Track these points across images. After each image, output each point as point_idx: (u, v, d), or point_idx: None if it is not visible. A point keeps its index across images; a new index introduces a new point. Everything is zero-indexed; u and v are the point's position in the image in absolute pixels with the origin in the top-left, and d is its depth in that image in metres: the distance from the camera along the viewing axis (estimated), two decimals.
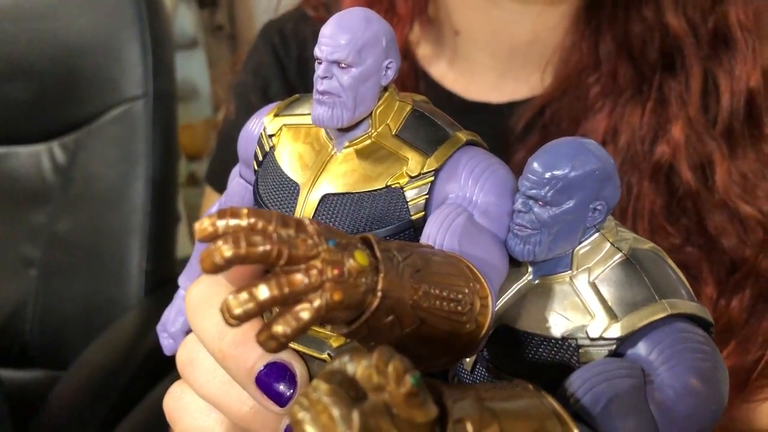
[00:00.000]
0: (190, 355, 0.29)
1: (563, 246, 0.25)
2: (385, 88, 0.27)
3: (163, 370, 0.95)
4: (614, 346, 0.23)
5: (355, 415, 0.16)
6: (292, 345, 0.27)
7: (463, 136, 0.27)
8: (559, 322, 0.24)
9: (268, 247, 0.19)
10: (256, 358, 0.27)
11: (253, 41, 0.66)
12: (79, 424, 0.80)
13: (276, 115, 0.29)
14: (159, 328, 0.34)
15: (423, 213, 0.26)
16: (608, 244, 0.25)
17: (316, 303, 0.19)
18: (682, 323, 0.23)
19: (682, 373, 0.22)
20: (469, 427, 0.17)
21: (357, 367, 0.17)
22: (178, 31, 1.55)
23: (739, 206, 0.46)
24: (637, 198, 0.47)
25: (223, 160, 0.63)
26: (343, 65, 0.26)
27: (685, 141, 0.46)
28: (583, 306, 0.24)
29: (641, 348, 0.23)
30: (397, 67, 0.27)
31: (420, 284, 0.21)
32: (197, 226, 0.19)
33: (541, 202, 0.24)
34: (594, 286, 0.24)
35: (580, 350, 0.24)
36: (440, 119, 0.27)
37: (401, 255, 0.21)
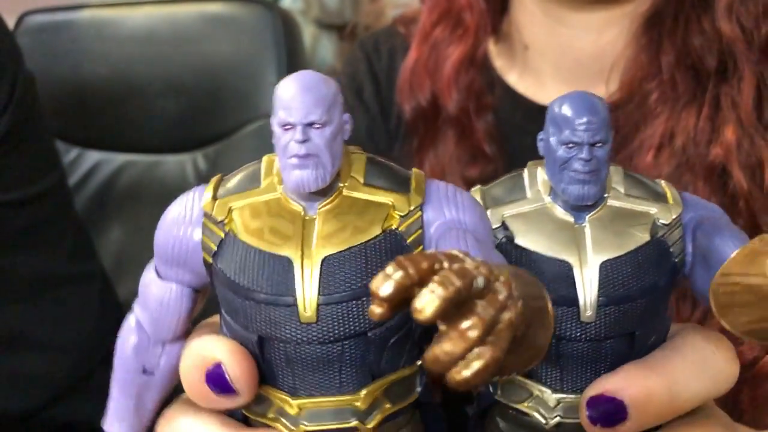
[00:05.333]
0: None
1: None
2: None
3: None
4: (677, 223, 0.28)
5: None
6: (314, 427, 0.27)
7: (417, 171, 0.28)
8: (636, 232, 0.28)
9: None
10: None
11: None
12: None
13: (215, 198, 0.28)
14: None
15: (421, 246, 0.27)
16: (609, 167, 0.29)
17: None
18: None
19: None
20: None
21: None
22: (320, 59, 1.67)
23: None
24: None
25: None
26: (317, 125, 0.25)
27: (737, 143, 0.48)
28: (637, 211, 0.28)
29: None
30: (351, 123, 0.27)
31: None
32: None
33: (599, 144, 0.27)
34: (626, 195, 0.29)
35: (666, 236, 0.28)
36: (388, 161, 0.29)
37: None
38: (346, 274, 0.26)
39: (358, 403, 0.26)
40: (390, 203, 0.27)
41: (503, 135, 0.61)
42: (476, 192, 0.31)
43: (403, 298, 0.19)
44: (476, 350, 0.19)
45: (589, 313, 0.28)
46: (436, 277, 0.18)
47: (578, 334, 0.28)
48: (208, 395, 0.27)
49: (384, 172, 0.28)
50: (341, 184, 0.27)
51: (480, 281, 0.19)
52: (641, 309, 0.28)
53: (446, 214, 0.27)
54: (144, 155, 1.15)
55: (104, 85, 1.13)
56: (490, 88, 0.62)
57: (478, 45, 0.61)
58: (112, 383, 0.30)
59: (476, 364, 0.19)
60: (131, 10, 1.16)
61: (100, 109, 1.14)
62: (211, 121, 1.12)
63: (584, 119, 0.27)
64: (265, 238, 0.26)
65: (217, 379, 0.26)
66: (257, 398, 0.27)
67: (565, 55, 0.59)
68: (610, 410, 0.27)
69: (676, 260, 0.29)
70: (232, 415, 0.29)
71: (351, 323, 0.26)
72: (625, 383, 0.27)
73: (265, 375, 0.27)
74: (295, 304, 0.25)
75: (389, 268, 0.19)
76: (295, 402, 0.27)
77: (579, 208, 0.29)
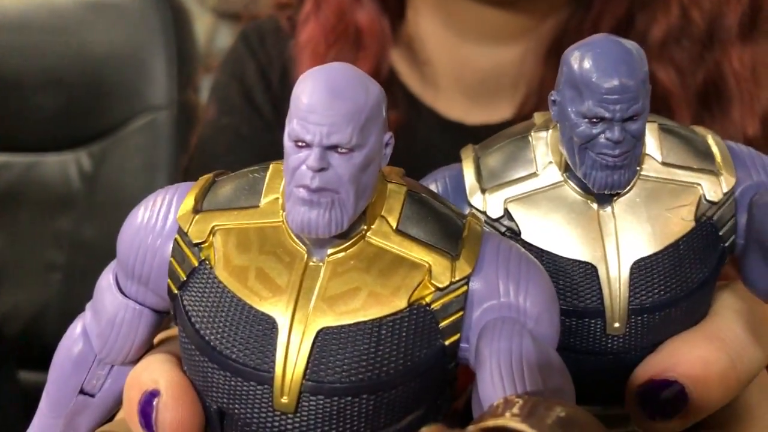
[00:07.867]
0: None
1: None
2: None
3: None
4: (729, 198, 0.22)
5: None
6: None
7: (474, 220, 0.21)
8: (677, 216, 0.22)
9: None
10: None
11: None
12: None
13: (196, 211, 0.21)
14: None
15: (458, 335, 0.20)
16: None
17: None
18: None
19: None
20: None
21: None
22: (218, 49, 1.60)
23: None
24: None
25: (204, 165, 0.63)
26: (342, 150, 0.18)
27: None
28: (678, 186, 0.22)
29: None
30: (392, 142, 0.20)
31: None
32: None
33: (635, 116, 0.21)
34: (664, 164, 0.23)
35: (715, 217, 0.23)
36: (435, 198, 0.21)
37: None
38: (347, 357, 0.19)
39: None
40: (426, 266, 0.19)
41: (411, 151, 0.57)
42: (468, 156, 0.24)
43: None
44: None
45: (617, 324, 0.22)
46: None
47: (603, 347, 0.23)
48: (137, 423, 0.21)
49: (428, 216, 0.20)
50: (365, 226, 0.20)
51: None
52: (681, 313, 0.23)
53: (501, 292, 0.20)
54: (21, 155, 1.07)
55: None
56: (394, 103, 0.58)
57: (380, 63, 0.57)
58: (43, 393, 0.24)
59: None
60: None
61: None
62: (94, 116, 1.04)
63: (615, 84, 0.20)
64: (249, 284, 0.19)
65: (146, 410, 0.21)
66: None
67: (467, 73, 0.57)
68: (667, 396, 0.21)
69: (726, 244, 0.23)
70: None
71: (341, 425, 0.19)
72: (674, 359, 0.22)
73: None
74: (270, 384, 0.19)
75: None
76: None
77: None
